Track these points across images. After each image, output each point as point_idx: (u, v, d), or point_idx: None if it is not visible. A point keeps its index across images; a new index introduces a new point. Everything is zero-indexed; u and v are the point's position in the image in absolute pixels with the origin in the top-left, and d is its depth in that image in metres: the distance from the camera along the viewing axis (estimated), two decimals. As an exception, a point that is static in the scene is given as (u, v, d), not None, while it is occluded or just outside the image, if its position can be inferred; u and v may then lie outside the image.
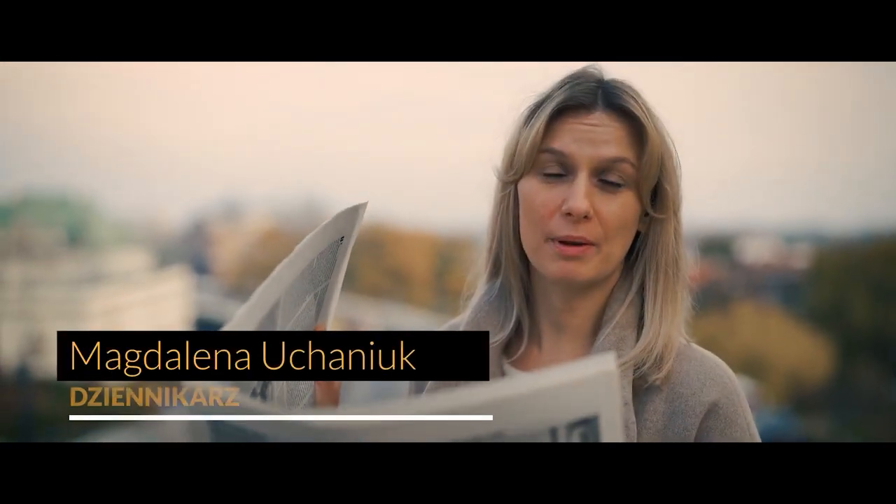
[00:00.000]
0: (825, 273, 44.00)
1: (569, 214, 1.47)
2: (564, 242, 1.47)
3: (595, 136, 1.49)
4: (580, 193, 1.46)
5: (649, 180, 1.50)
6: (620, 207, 1.48)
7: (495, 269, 1.61)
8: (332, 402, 1.50)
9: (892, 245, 42.50)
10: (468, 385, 0.92)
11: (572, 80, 1.53)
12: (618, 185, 1.49)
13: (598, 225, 1.47)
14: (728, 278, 52.91)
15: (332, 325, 1.52)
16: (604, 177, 1.49)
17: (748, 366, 34.61)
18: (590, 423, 0.93)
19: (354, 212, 1.42)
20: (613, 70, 1.57)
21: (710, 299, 41.33)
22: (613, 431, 0.94)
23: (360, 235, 1.45)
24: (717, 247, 61.55)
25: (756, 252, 61.31)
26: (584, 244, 1.47)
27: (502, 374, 1.58)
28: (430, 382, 1.57)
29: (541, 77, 1.56)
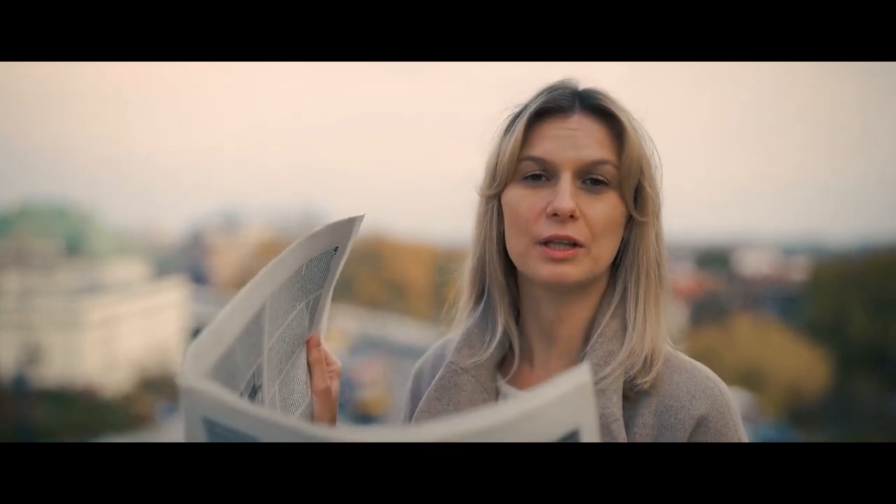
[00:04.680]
0: (823, 285, 44.00)
1: (555, 215, 1.46)
2: (552, 245, 1.47)
3: (575, 140, 1.48)
4: (565, 193, 1.45)
5: (630, 179, 1.49)
6: (607, 207, 1.48)
7: (481, 289, 1.60)
8: (331, 412, 1.49)
9: (889, 257, 42.53)
10: (457, 414, 0.92)
11: (549, 89, 1.53)
12: (603, 185, 1.48)
13: (584, 226, 1.47)
14: (726, 290, 52.90)
15: (325, 334, 1.52)
16: (587, 177, 1.48)
17: (746, 378, 34.58)
18: (572, 437, 0.93)
19: (351, 223, 1.41)
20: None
21: (709, 311, 41.32)
22: (592, 441, 0.95)
23: (358, 247, 1.44)
24: (716, 259, 61.54)
25: (754, 264, 61.31)
26: (574, 246, 1.46)
27: (497, 392, 1.57)
28: (419, 408, 1.55)
29: (521, 90, 1.56)
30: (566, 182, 1.46)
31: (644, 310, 1.50)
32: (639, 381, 1.45)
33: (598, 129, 1.49)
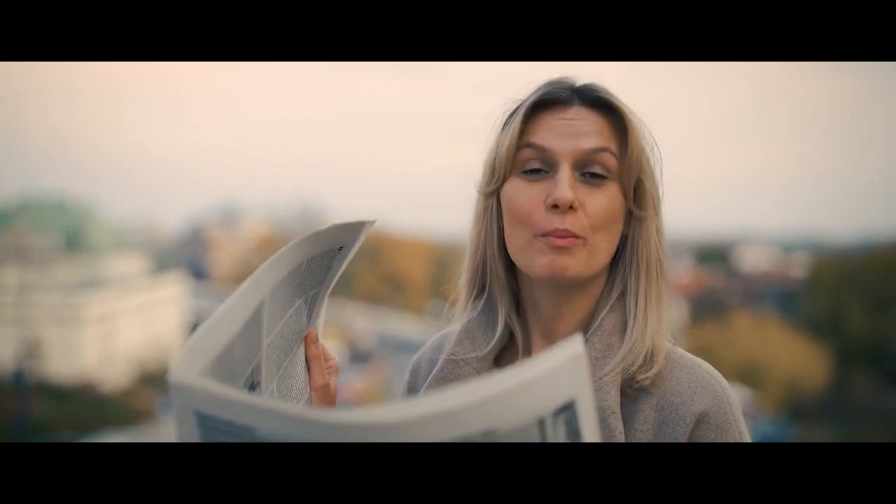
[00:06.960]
0: (822, 282, 44.03)
1: (555, 206, 1.44)
2: (553, 235, 1.45)
3: (574, 129, 1.47)
4: (564, 184, 1.44)
5: (632, 172, 1.48)
6: (606, 199, 1.47)
7: (481, 286, 1.59)
8: (329, 408, 1.49)
9: (888, 254, 42.56)
10: (457, 386, 0.92)
11: (547, 84, 1.52)
12: (602, 177, 1.47)
13: (583, 217, 1.45)
14: (725, 287, 52.93)
15: (322, 329, 1.52)
16: (587, 170, 1.47)
17: (745, 374, 34.61)
18: (569, 407, 0.94)
19: (360, 226, 1.40)
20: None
21: (708, 308, 41.34)
22: (588, 412, 0.95)
23: (356, 241, 1.43)
24: (715, 255, 61.57)
25: (754, 261, 61.35)
26: (572, 236, 1.45)
27: None
28: (425, 385, 1.56)
29: (518, 87, 1.55)
30: (565, 173, 1.45)
31: (645, 306, 1.49)
32: (639, 377, 1.44)
33: (598, 119, 1.48)
